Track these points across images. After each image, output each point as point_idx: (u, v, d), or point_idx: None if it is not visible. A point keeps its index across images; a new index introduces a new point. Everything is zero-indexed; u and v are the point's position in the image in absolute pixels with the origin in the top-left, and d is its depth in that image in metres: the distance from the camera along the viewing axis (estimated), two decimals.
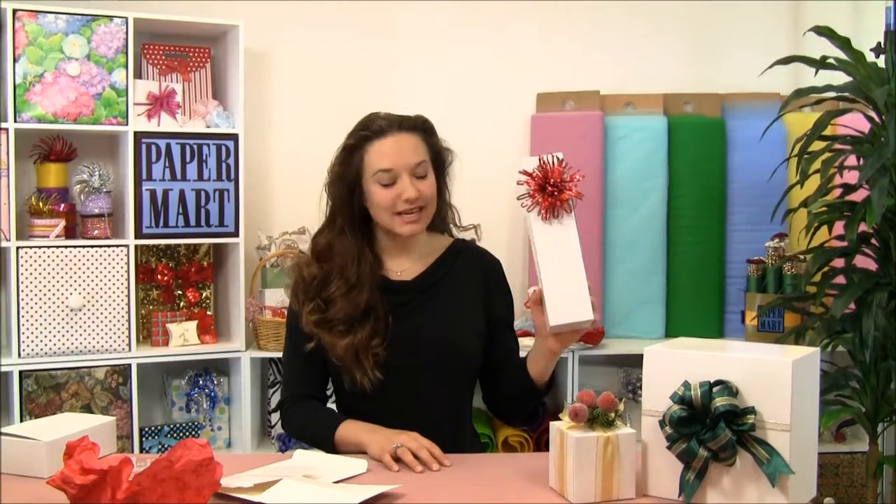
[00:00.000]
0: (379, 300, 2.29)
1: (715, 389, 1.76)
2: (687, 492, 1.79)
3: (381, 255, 2.39)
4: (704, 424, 1.76)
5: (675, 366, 1.82)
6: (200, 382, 3.70)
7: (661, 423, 1.81)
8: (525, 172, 2.08)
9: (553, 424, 1.89)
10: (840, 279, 3.20)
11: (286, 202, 3.91)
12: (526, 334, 3.50)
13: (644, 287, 3.83)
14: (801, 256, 3.51)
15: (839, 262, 3.26)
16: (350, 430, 2.23)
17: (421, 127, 2.34)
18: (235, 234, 3.57)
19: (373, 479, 1.97)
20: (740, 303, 3.81)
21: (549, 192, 2.06)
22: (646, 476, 1.87)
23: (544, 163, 2.07)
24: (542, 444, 3.55)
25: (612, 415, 1.85)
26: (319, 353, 2.30)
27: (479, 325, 2.37)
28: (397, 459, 2.07)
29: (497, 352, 2.41)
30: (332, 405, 2.44)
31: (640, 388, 1.89)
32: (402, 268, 2.38)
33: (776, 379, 1.73)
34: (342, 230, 2.32)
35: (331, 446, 2.24)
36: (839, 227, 3.18)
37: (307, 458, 2.12)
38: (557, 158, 2.08)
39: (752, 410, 1.74)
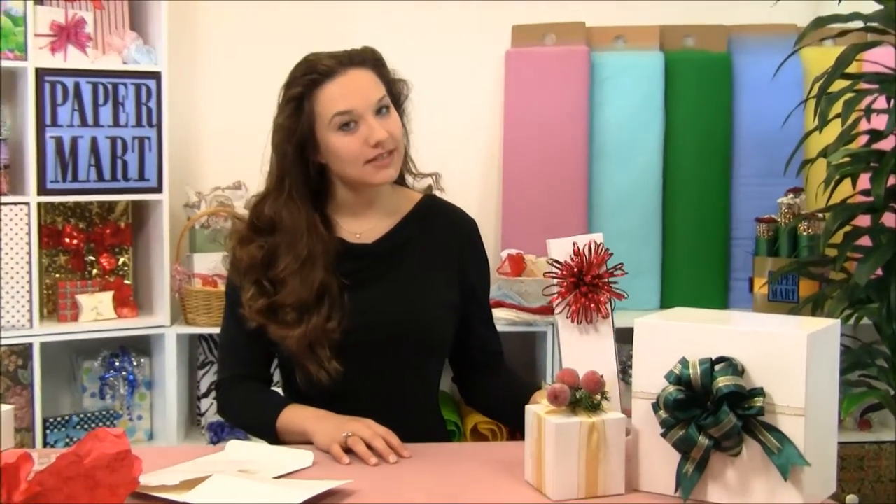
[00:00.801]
0: (334, 279, 2.28)
1: (717, 368, 1.77)
2: (685, 486, 1.80)
3: (336, 217, 2.38)
4: (705, 408, 1.77)
5: (670, 340, 1.83)
6: (117, 364, 3.69)
7: (655, 407, 1.81)
8: (555, 263, 2.05)
9: (529, 408, 1.90)
10: (865, 240, 3.21)
11: (218, 152, 3.89)
12: (500, 304, 3.51)
13: (637, 251, 3.84)
14: (820, 214, 3.52)
15: (864, 221, 3.28)
16: (294, 416, 2.23)
17: (371, 59, 2.33)
18: (158, 189, 3.55)
19: (320, 473, 1.97)
20: (748, 268, 3.83)
21: (582, 291, 2.03)
22: (637, 468, 1.88)
23: (579, 251, 2.04)
24: (516, 432, 3.55)
25: (598, 397, 1.85)
26: (266, 332, 2.30)
27: (451, 297, 2.38)
28: (348, 450, 2.08)
29: (471, 326, 2.42)
30: (277, 388, 2.45)
31: (631, 366, 1.90)
32: (363, 229, 2.38)
33: (789, 355, 1.74)
34: (290, 196, 2.30)
35: (272, 435, 2.25)
36: (864, 181, 3.19)
37: (243, 451, 2.12)
38: (595, 244, 2.04)
39: (760, 392, 1.75)
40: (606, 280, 2.03)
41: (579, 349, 2.02)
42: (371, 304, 2.30)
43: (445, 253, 2.40)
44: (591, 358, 1.90)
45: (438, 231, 2.41)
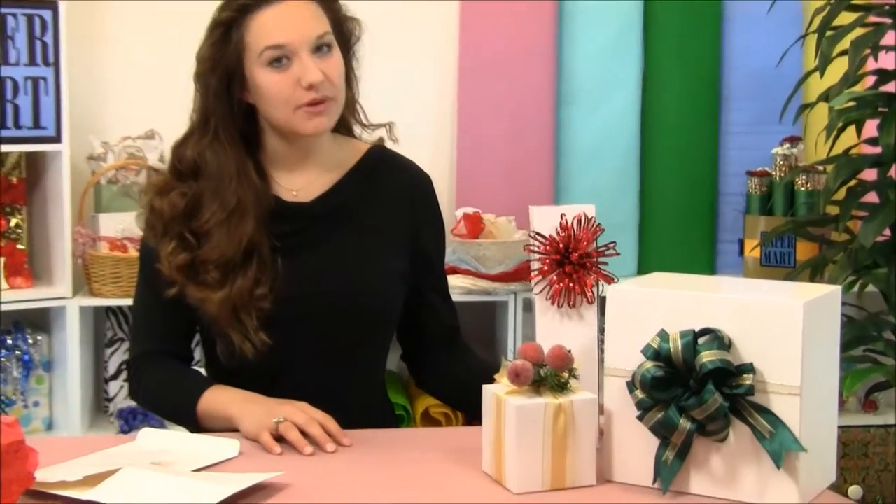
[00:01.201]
0: (265, 238, 2.27)
1: (701, 341, 1.78)
2: (664, 477, 1.81)
3: (270, 170, 2.37)
4: (687, 387, 1.78)
5: (647, 309, 1.84)
6: (9, 342, 3.67)
7: (630, 386, 1.82)
8: (537, 235, 2.03)
9: (487, 389, 1.91)
10: (871, 197, 3.24)
11: (128, 96, 3.86)
12: (454, 271, 3.51)
13: (611, 209, 3.85)
14: (820, 167, 3.55)
15: (870, 174, 3.31)
16: (218, 398, 2.23)
17: None
18: (57, 139, 3.53)
19: (247, 465, 1.97)
20: (738, 229, 3.86)
21: (567, 271, 2.02)
22: (610, 456, 1.89)
23: (566, 224, 2.02)
24: (473, 420, 3.57)
25: (566, 375, 1.86)
26: (186, 299, 2.28)
27: (401, 265, 2.38)
28: (280, 439, 2.08)
29: (423, 297, 2.43)
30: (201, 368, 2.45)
31: (603, 340, 1.90)
32: (299, 185, 2.37)
33: (783, 326, 1.75)
34: (216, 136, 2.29)
35: (192, 421, 2.25)
36: (871, 128, 3.21)
37: (158, 440, 2.11)
38: (586, 217, 2.03)
39: (750, 368, 1.76)
40: (596, 260, 2.04)
41: (558, 336, 2.00)
42: (308, 271, 2.29)
43: (395, 214, 2.40)
44: (572, 348, 1.90)
45: (387, 188, 2.41)
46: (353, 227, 2.35)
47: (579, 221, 2.03)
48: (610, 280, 2.03)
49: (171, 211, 2.29)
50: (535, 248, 2.04)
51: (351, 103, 2.40)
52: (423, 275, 2.42)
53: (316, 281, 2.29)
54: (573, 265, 2.02)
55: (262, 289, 2.24)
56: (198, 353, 2.47)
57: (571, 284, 2.02)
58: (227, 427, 2.18)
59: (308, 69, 2.23)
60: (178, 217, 2.28)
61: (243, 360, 2.23)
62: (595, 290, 2.03)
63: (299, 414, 2.10)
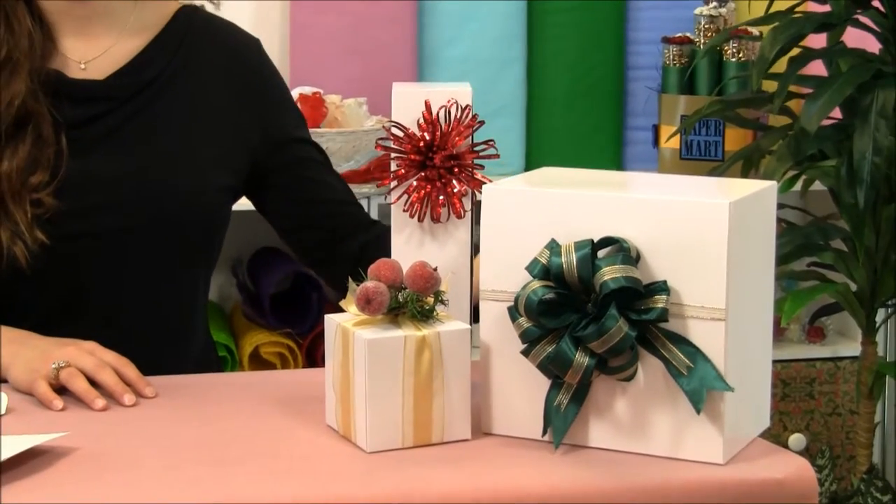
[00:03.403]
0: (46, 108, 2.25)
1: (601, 254, 1.79)
2: (557, 427, 1.83)
3: (52, 37, 2.34)
4: (584, 312, 1.79)
5: (534, 215, 1.84)
6: None
7: (513, 313, 1.83)
8: (395, 126, 1.99)
9: (330, 319, 1.91)
10: (817, 67, 3.27)
11: None
12: None
13: (491, 84, 3.86)
14: (755, 30, 3.58)
15: (817, 41, 3.34)
16: None
17: None
18: None
19: (18, 425, 1.95)
20: (652, 112, 3.89)
21: (429, 175, 1.98)
22: (488, 403, 1.91)
23: (431, 116, 1.98)
24: (317, 357, 3.59)
25: (431, 300, 1.87)
26: None
27: (234, 161, 2.39)
28: (62, 390, 2.06)
29: (313, 187, 2.44)
30: None
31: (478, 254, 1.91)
32: (89, 56, 2.35)
33: (704, 234, 1.76)
34: None
35: None
36: None
37: None
38: (460, 107, 1.98)
39: (663, 288, 1.78)
40: (470, 163, 2.02)
41: (419, 257, 1.98)
42: (102, 172, 2.28)
43: (220, 90, 2.40)
44: (438, 265, 1.88)
45: (206, 59, 2.41)
46: (164, 108, 2.35)
47: (447, 111, 2.02)
48: (476, 186, 2.00)
49: None
50: (390, 145, 2.03)
51: None
52: (294, 158, 2.45)
53: (112, 184, 2.28)
54: (438, 168, 2.01)
55: (41, 175, 2.22)
56: None
57: (434, 192, 2.01)
58: None
59: None
60: None
61: (14, 273, 2.20)
62: (467, 200, 2.02)
63: (86, 357, 2.08)
